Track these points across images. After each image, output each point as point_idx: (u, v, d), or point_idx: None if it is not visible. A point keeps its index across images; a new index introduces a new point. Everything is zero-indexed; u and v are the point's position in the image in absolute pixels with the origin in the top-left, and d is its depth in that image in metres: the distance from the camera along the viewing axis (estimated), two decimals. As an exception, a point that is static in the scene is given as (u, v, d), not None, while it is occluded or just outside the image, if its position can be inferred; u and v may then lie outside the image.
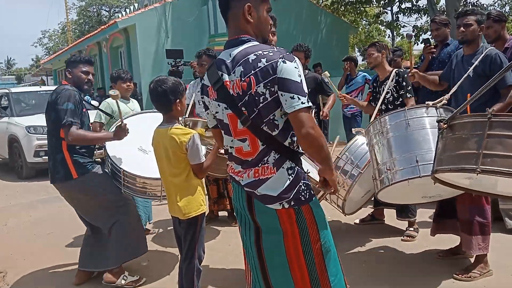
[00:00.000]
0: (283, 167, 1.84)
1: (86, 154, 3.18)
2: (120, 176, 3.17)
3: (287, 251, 1.86)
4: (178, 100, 2.57)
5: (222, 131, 1.98)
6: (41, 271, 3.63)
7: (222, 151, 3.45)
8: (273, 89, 1.75)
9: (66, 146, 3.09)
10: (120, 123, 3.09)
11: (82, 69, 3.24)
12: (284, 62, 1.75)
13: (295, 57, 1.80)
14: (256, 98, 1.77)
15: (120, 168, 3.14)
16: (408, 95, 3.81)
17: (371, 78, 7.11)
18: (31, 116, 8.01)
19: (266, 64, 1.75)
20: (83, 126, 3.13)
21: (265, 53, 1.78)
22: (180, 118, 2.75)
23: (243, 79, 1.78)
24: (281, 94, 1.74)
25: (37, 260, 3.85)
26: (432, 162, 2.36)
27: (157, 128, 2.63)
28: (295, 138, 1.86)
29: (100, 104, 4.27)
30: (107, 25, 15.47)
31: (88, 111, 3.35)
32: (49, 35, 38.93)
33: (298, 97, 1.72)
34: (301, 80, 1.75)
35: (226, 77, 1.84)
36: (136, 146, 3.26)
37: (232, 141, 1.92)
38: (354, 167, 3.60)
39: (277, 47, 1.84)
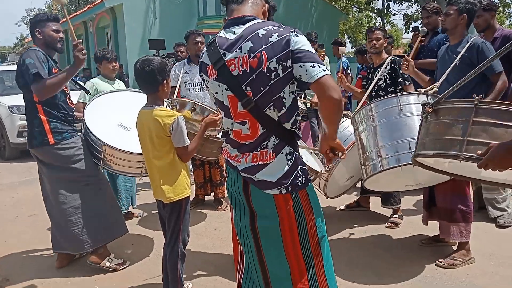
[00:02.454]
0: (282, 153, 1.81)
1: (64, 121, 3.06)
2: (100, 151, 3.07)
3: (283, 235, 1.84)
4: (165, 81, 2.50)
5: (222, 113, 1.91)
6: (23, 253, 3.58)
7: (212, 133, 3.42)
8: (285, 64, 1.71)
9: (42, 110, 2.99)
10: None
11: (53, 27, 3.08)
12: (296, 35, 1.73)
13: None
14: (268, 74, 1.72)
15: (102, 142, 3.03)
16: (407, 82, 3.80)
17: (346, 66, 6.97)
18: (14, 95, 7.79)
19: (278, 38, 1.71)
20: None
21: (275, 28, 1.75)
22: (167, 100, 2.68)
23: (252, 55, 1.72)
24: (300, 66, 1.70)
25: (19, 243, 3.80)
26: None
27: (141, 109, 2.55)
28: (298, 118, 1.85)
29: (85, 84, 4.16)
30: (93, 4, 15.10)
31: (73, 91, 3.26)
32: (34, 14, 37.93)
33: (318, 65, 1.69)
34: (314, 51, 1.74)
35: (229, 55, 1.78)
36: (116, 122, 3.18)
37: (232, 123, 1.86)
38: None
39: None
